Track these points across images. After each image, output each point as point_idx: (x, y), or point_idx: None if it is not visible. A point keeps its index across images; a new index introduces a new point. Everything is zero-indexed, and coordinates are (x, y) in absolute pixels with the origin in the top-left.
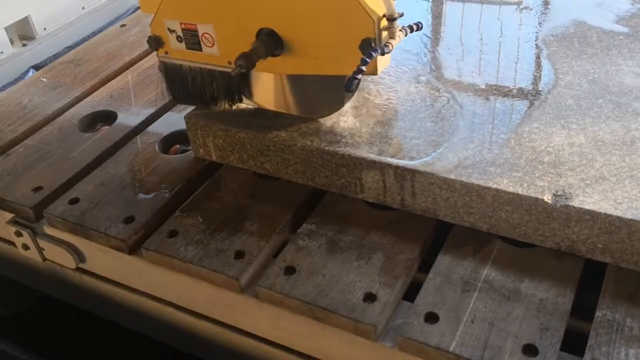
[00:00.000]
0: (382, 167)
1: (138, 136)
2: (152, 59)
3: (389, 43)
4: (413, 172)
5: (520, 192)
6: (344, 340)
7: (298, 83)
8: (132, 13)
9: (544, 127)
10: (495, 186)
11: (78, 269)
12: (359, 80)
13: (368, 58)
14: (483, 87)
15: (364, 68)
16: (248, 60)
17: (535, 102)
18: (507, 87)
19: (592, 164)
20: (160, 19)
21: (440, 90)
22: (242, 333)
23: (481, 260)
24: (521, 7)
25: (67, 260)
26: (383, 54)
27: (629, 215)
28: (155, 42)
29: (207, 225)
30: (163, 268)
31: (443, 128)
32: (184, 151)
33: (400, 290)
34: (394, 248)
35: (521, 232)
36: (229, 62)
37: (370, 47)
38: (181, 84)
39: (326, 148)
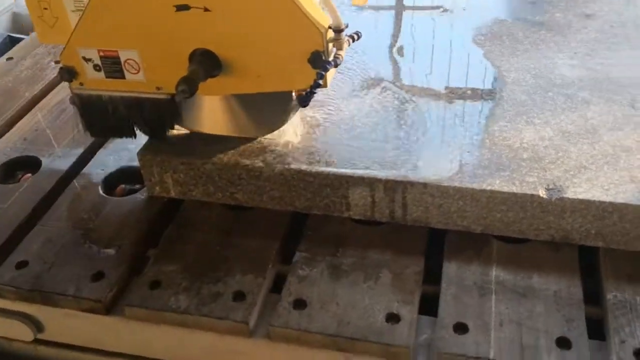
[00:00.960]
0: (371, 182)
1: (74, 180)
2: (60, 94)
3: (339, 54)
4: (404, 184)
5: (515, 191)
6: None
7: (237, 102)
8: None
9: (511, 125)
10: (489, 188)
11: (34, 341)
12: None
13: (323, 71)
14: (441, 90)
15: (321, 82)
16: (191, 84)
17: (491, 101)
18: (461, 88)
19: (568, 155)
20: (74, 47)
21: (400, 97)
22: None
23: (486, 262)
24: (441, 10)
25: (22, 333)
26: (336, 65)
27: (619, 199)
28: (69, 74)
29: (190, 270)
30: (150, 324)
31: (417, 135)
32: (131, 191)
33: (418, 305)
34: (397, 263)
35: (516, 229)
36: (158, 88)
37: (322, 60)
38: (101, 117)
39: (308, 169)
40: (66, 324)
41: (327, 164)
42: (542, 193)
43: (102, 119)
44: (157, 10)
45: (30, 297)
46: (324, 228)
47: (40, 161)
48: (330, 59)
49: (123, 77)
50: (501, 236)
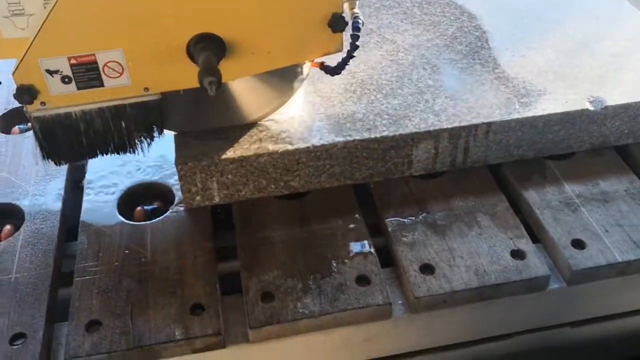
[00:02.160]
0: (436, 134)
1: (81, 219)
2: None
3: (357, 14)
4: (469, 128)
5: (568, 110)
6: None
7: (235, 87)
8: None
9: (517, 54)
10: (545, 113)
11: None
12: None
13: (357, 32)
14: (429, 35)
15: (358, 43)
16: (216, 73)
17: (481, 37)
18: (448, 29)
19: (583, 69)
20: (33, 60)
21: (400, 48)
22: None
23: (554, 181)
24: None
25: None
26: (362, 25)
27: None
28: (29, 94)
29: (293, 271)
30: (278, 340)
31: (444, 81)
32: (155, 210)
33: (527, 236)
34: (485, 205)
35: (564, 145)
36: (146, 89)
37: (344, 21)
38: (69, 138)
39: (372, 137)
40: None
41: (387, 127)
42: (590, 107)
43: (70, 141)
44: None
45: (125, 359)
46: (391, 193)
47: (17, 207)
48: (350, 20)
49: (101, 84)
50: (548, 156)
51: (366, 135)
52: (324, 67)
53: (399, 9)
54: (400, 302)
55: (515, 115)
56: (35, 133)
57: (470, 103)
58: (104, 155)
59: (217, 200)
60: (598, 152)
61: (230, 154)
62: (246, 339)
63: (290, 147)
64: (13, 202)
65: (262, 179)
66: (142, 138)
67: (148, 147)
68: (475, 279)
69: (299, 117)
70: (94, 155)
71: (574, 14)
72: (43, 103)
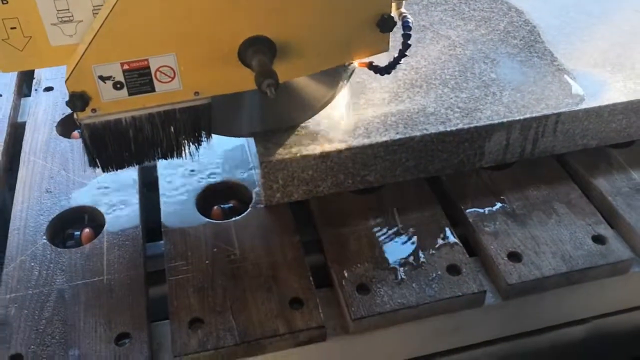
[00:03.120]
0: (509, 125)
1: (162, 221)
2: (39, 129)
3: (405, 14)
4: (539, 119)
5: (631, 99)
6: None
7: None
8: None
9: (571, 45)
10: (610, 102)
11: None
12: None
13: (409, 31)
14: (482, 30)
15: (409, 42)
16: (273, 75)
17: (532, 31)
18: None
19: (638, 59)
20: (87, 67)
21: (456, 42)
22: None
23: (620, 168)
24: None
25: None
26: (412, 24)
27: None
28: (81, 101)
29: (384, 263)
30: (377, 331)
31: (507, 74)
32: (232, 208)
33: (605, 222)
34: (559, 194)
35: (625, 134)
36: (196, 94)
37: (393, 21)
38: (118, 145)
39: (449, 129)
40: None
41: (460, 120)
42: None
43: (121, 147)
44: (201, 0)
45: (232, 355)
46: (465, 184)
47: (94, 209)
48: (398, 20)
49: (153, 89)
50: (611, 145)
51: (441, 128)
52: (372, 67)
53: (446, 5)
54: (489, 290)
55: (583, 106)
56: (84, 140)
57: (536, 95)
58: (151, 161)
59: (295, 196)
60: None
61: (312, 150)
62: (344, 331)
63: (368, 142)
64: (91, 205)
65: (341, 174)
66: (191, 143)
67: (197, 151)
68: (562, 264)
69: (372, 112)
70: (142, 161)
71: (617, 8)
72: (94, 110)
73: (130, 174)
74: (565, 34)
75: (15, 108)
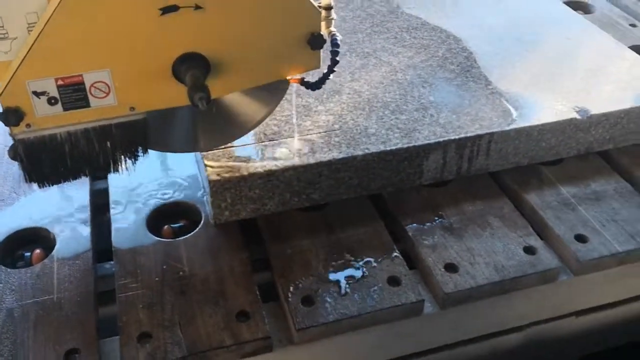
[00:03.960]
0: (445, 145)
1: (113, 239)
2: None
3: (334, 32)
4: (473, 139)
5: (559, 119)
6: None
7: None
8: None
9: (504, 71)
10: (539, 122)
11: None
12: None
13: (337, 48)
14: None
15: (337, 59)
16: (205, 89)
17: (471, 59)
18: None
19: (565, 83)
20: (20, 82)
21: (394, 67)
22: None
23: (550, 184)
24: None
25: None
26: (340, 42)
27: (627, 105)
28: (15, 116)
29: (325, 277)
30: (322, 341)
31: (444, 97)
32: (182, 227)
33: (536, 234)
34: (493, 208)
35: (554, 152)
36: (131, 109)
37: (323, 40)
38: (54, 160)
39: (389, 149)
40: None
41: (399, 139)
42: (576, 115)
43: (56, 162)
44: (135, 17)
45: None
46: (405, 201)
47: (43, 230)
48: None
49: (87, 105)
50: (541, 162)
51: (382, 147)
52: (304, 83)
53: (389, 34)
54: (428, 299)
55: (514, 126)
56: (19, 155)
57: (471, 116)
58: (87, 176)
59: (243, 214)
60: (584, 157)
61: (259, 168)
62: (289, 342)
63: (313, 161)
64: (43, 226)
65: (287, 192)
66: (127, 158)
67: (133, 167)
68: (495, 273)
69: (316, 134)
70: (78, 176)
71: (547, 35)
72: (28, 125)
73: (82, 195)
74: (499, 60)
75: None
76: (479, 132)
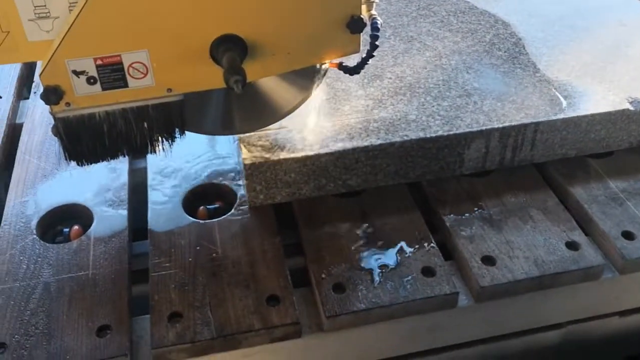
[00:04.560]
0: (488, 133)
1: (149, 219)
2: (36, 131)
3: (374, 15)
4: (518, 128)
5: (610, 110)
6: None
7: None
8: None
9: (554, 57)
10: (588, 113)
11: None
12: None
13: (377, 32)
14: (459, 39)
15: (377, 43)
16: (241, 72)
17: (516, 43)
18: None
19: (619, 72)
20: (60, 61)
21: (437, 51)
22: None
23: (598, 178)
24: None
25: None
26: (380, 26)
27: None
28: (55, 95)
29: (357, 263)
30: (352, 329)
31: (489, 84)
32: (217, 209)
33: (579, 228)
34: (536, 201)
35: (604, 144)
36: (169, 90)
37: (363, 23)
38: (92, 139)
39: (428, 136)
40: None
41: (440, 127)
42: (629, 107)
43: (94, 141)
44: None
45: (208, 348)
46: (444, 190)
47: (82, 207)
48: (367, 21)
49: (126, 85)
50: (589, 154)
51: (421, 134)
52: (342, 67)
53: (435, 17)
54: (463, 292)
55: (561, 115)
56: (59, 134)
57: (517, 104)
58: (125, 156)
59: (278, 199)
60: (635, 150)
61: (294, 153)
62: (319, 329)
63: (350, 147)
64: (78, 203)
65: (322, 178)
66: (164, 139)
67: (170, 148)
68: (535, 268)
69: (355, 118)
70: (116, 156)
71: (602, 22)
72: (68, 104)
73: (121, 174)
74: (549, 47)
75: (14, 110)
76: (524, 121)
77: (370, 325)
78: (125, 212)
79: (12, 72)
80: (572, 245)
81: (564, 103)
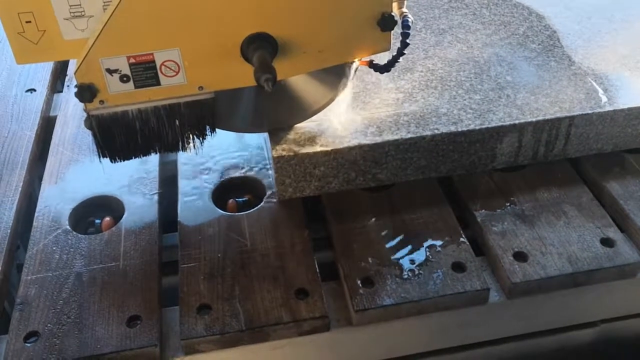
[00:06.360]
0: (521, 127)
1: (179, 211)
2: (68, 124)
3: (406, 13)
4: (552, 122)
5: None
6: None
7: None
8: None
9: (589, 50)
10: (625, 107)
11: None
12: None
13: (408, 30)
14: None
15: (408, 41)
16: (272, 71)
17: (550, 35)
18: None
19: None
20: (94, 59)
21: (468, 43)
22: None
23: (634, 173)
24: None
25: None
26: (412, 23)
27: None
28: (89, 92)
29: (385, 257)
30: (380, 323)
31: (522, 77)
32: (247, 202)
33: (615, 225)
34: (570, 196)
35: None
36: (200, 88)
37: (394, 21)
38: (125, 136)
39: (460, 130)
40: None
41: (472, 121)
42: None
43: (127, 138)
44: None
45: (237, 340)
46: (475, 185)
47: (114, 198)
48: (399, 19)
49: (158, 83)
50: (626, 150)
51: (452, 128)
52: (373, 65)
53: (467, 10)
54: (494, 288)
55: (597, 110)
56: (92, 131)
57: (551, 98)
58: (157, 153)
59: (307, 192)
60: None
61: (323, 146)
62: (347, 323)
63: (380, 140)
64: (111, 195)
65: (352, 172)
66: (195, 136)
67: (201, 145)
68: (568, 265)
69: (385, 112)
70: (148, 153)
71: (634, 13)
72: (102, 101)
73: (152, 166)
74: (584, 39)
75: (48, 102)
76: (559, 115)
77: (399, 320)
78: (155, 204)
79: (46, 66)
80: (607, 242)
81: (602, 97)
